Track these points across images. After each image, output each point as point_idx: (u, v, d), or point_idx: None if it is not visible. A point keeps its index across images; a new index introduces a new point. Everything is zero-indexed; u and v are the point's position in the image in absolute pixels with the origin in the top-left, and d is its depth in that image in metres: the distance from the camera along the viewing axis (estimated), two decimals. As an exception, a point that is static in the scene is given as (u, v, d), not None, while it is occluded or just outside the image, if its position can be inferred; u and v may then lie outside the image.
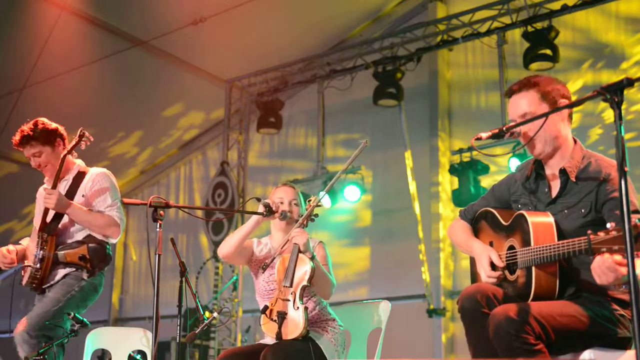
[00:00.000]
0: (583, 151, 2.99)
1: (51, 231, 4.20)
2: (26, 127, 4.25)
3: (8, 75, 8.70)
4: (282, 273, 3.68)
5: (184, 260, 4.02)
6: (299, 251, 3.64)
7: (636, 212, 2.69)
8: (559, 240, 2.78)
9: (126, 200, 4.15)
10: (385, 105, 8.82)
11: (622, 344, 2.80)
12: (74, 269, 4.22)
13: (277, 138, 10.51)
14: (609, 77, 7.99)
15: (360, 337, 4.02)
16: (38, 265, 4.15)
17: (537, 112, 2.89)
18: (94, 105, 9.24)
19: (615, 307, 2.80)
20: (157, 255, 3.57)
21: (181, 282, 3.88)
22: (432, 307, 8.67)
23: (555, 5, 7.73)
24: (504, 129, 2.92)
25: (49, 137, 4.27)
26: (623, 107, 2.32)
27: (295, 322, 3.55)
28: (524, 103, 2.95)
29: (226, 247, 3.90)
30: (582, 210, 2.84)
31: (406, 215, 9.04)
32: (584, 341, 2.74)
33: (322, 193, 3.95)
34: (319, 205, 3.81)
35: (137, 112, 10.03)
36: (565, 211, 2.88)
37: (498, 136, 2.96)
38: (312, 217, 3.77)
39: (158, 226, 3.64)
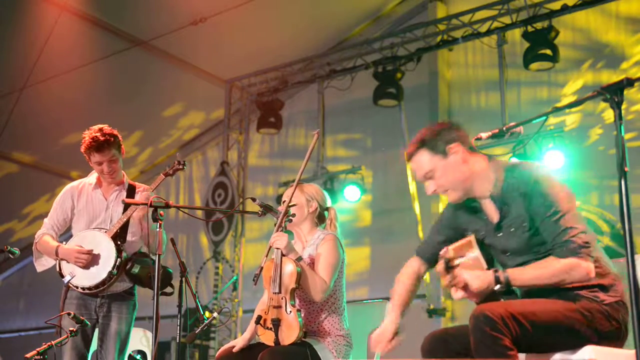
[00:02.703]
0: (501, 168, 3.00)
1: (124, 240, 4.27)
2: (98, 133, 4.25)
3: (8, 75, 8.69)
4: (269, 280, 3.66)
5: (184, 260, 4.02)
6: (282, 255, 3.61)
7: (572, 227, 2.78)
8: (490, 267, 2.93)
9: (127, 200, 4.15)
10: (385, 105, 8.82)
11: (612, 337, 2.79)
12: (132, 286, 4.32)
13: (277, 138, 10.51)
14: (609, 77, 7.98)
15: (360, 337, 4.02)
16: (115, 272, 4.18)
17: (437, 167, 2.99)
18: (94, 105, 9.24)
19: (603, 297, 2.79)
20: (157, 255, 3.57)
21: (181, 282, 3.89)
22: (432, 307, 8.67)
23: (555, 5, 7.73)
24: (504, 129, 2.92)
25: (119, 145, 4.35)
26: (623, 107, 2.32)
27: (291, 326, 3.53)
28: (422, 165, 3.02)
29: None
30: (524, 225, 2.87)
31: (406, 215, 9.03)
32: (573, 337, 2.72)
33: (289, 190, 3.82)
34: (293, 205, 3.77)
35: (137, 112, 10.02)
36: (512, 229, 2.92)
37: (498, 136, 2.96)
38: (290, 217, 3.71)
39: (158, 226, 3.64)
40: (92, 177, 4.49)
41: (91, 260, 4.20)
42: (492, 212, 3.00)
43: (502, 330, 2.58)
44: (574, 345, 2.73)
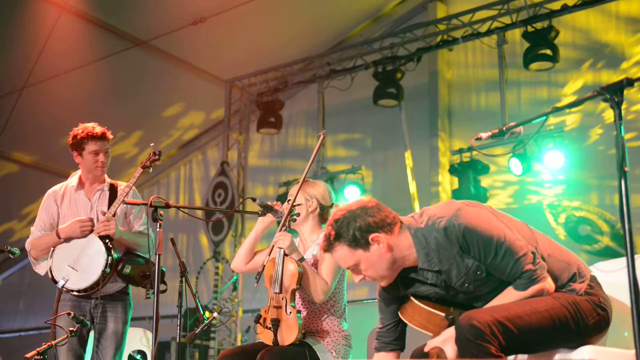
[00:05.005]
0: (419, 232, 2.90)
1: (112, 238, 4.25)
2: (96, 126, 4.39)
3: (8, 75, 8.70)
4: (270, 280, 3.65)
5: (184, 260, 4.02)
6: (285, 254, 3.60)
7: None
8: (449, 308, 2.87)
9: (127, 200, 4.15)
10: (385, 105, 8.82)
11: (600, 328, 2.79)
12: (125, 285, 4.31)
13: (277, 138, 10.51)
14: (609, 77, 7.99)
15: (360, 337, 4.02)
16: (109, 270, 4.15)
17: (360, 260, 2.80)
18: (94, 105, 9.24)
19: (578, 287, 2.80)
20: (157, 255, 3.57)
21: (181, 282, 3.88)
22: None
23: (555, 5, 7.73)
24: (504, 129, 2.91)
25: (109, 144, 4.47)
26: (623, 107, 2.32)
27: (290, 327, 3.51)
28: (344, 259, 2.84)
29: (235, 261, 3.90)
30: (479, 273, 2.78)
31: (406, 215, 9.01)
32: (561, 334, 2.71)
33: (294, 189, 3.78)
34: (298, 205, 3.76)
35: (137, 112, 10.03)
36: (466, 285, 2.81)
37: (498, 136, 2.96)
38: (294, 217, 3.69)
39: (158, 226, 3.64)
40: (74, 179, 4.44)
41: (85, 255, 4.18)
42: (432, 278, 2.86)
43: (489, 339, 2.56)
44: (564, 342, 2.74)
